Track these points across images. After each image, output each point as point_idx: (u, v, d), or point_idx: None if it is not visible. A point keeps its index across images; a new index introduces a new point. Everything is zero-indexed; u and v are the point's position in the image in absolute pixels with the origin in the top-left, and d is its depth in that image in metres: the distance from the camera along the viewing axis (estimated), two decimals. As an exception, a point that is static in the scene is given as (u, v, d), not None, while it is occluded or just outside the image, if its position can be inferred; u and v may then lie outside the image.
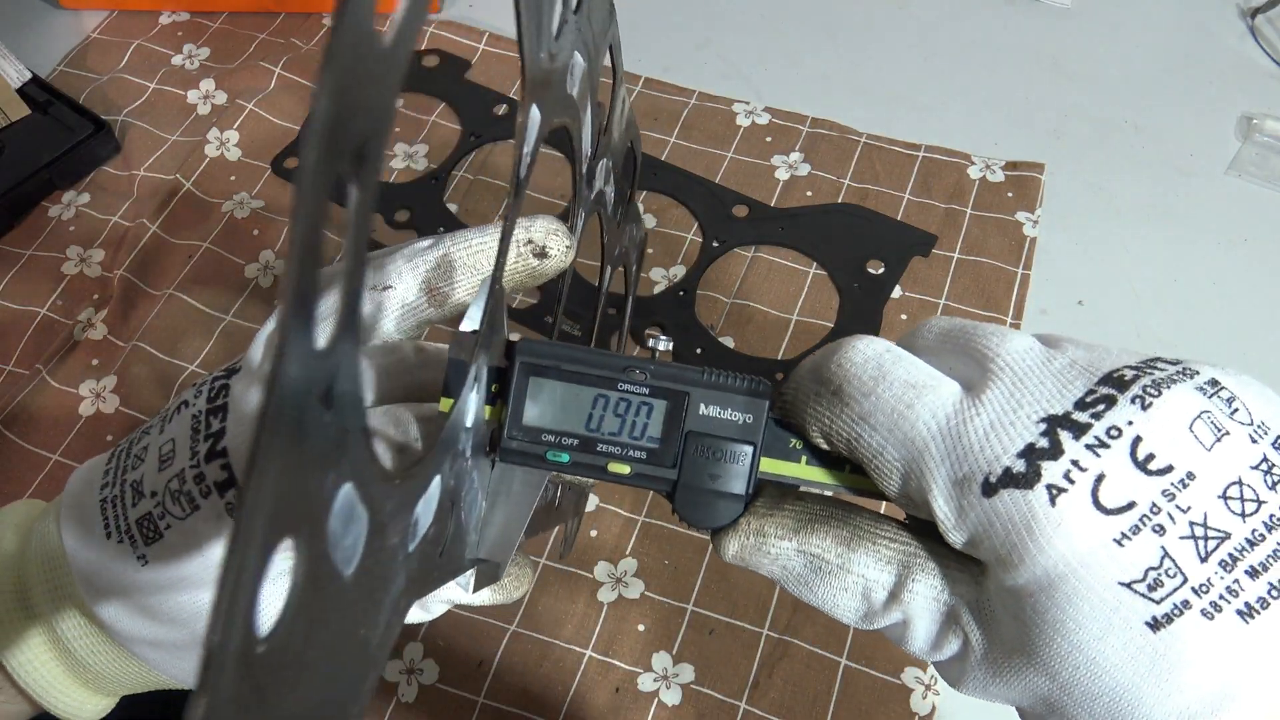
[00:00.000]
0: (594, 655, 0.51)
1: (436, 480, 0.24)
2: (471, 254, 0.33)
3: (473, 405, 0.27)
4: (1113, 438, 0.23)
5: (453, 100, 0.75)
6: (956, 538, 0.24)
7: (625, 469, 0.28)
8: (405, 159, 0.71)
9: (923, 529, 0.27)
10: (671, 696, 0.50)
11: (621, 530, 0.55)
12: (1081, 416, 0.23)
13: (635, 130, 0.46)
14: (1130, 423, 0.23)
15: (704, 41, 0.79)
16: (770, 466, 0.28)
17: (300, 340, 0.14)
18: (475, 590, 0.30)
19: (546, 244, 0.34)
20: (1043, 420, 0.24)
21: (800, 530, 0.27)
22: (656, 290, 0.65)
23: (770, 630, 0.52)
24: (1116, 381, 0.24)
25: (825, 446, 0.27)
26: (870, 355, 0.26)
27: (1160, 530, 0.22)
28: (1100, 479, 0.23)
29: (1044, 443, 0.23)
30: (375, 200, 0.15)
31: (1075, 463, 0.23)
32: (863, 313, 0.62)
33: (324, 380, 0.15)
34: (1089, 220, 0.68)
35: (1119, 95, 0.74)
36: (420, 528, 0.23)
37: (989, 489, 0.23)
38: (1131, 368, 0.24)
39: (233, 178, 0.71)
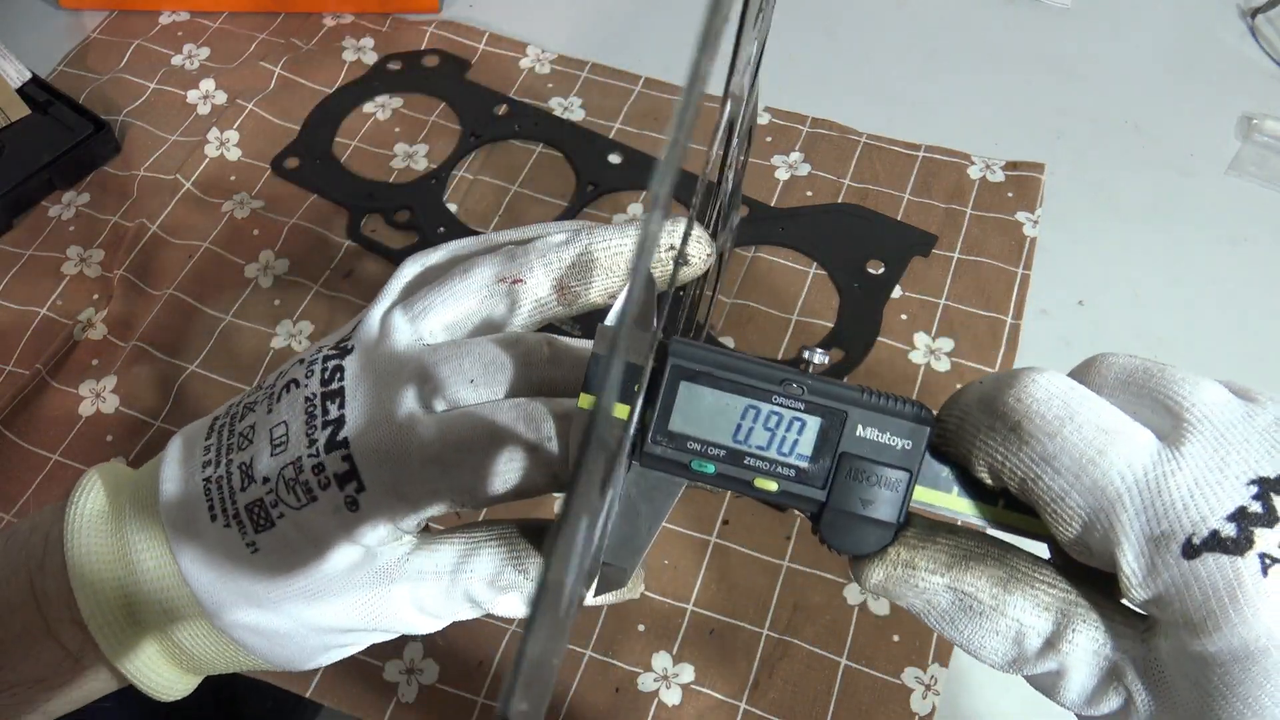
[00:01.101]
0: (594, 655, 0.51)
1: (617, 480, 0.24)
2: (610, 255, 0.32)
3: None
4: None
5: (453, 100, 0.75)
6: (1139, 595, 0.23)
7: (773, 486, 0.27)
8: (405, 159, 0.71)
9: (1084, 576, 0.26)
10: (671, 696, 0.50)
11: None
12: None
13: (746, 159, 0.44)
14: None
15: (704, 41, 0.79)
16: (922, 495, 0.27)
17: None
18: (598, 594, 0.30)
19: (690, 250, 0.33)
20: (1254, 483, 0.22)
21: (953, 566, 0.26)
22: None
23: (770, 630, 0.52)
24: None
25: (988, 481, 0.26)
26: (1055, 392, 0.24)
27: None
28: None
29: (1257, 507, 0.22)
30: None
31: None
32: (863, 313, 0.62)
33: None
34: (1089, 220, 0.68)
35: (1119, 95, 0.74)
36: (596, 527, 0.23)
37: (1191, 551, 0.22)
38: None
39: (233, 178, 0.71)
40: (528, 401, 0.30)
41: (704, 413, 0.27)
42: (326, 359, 0.32)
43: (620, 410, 0.26)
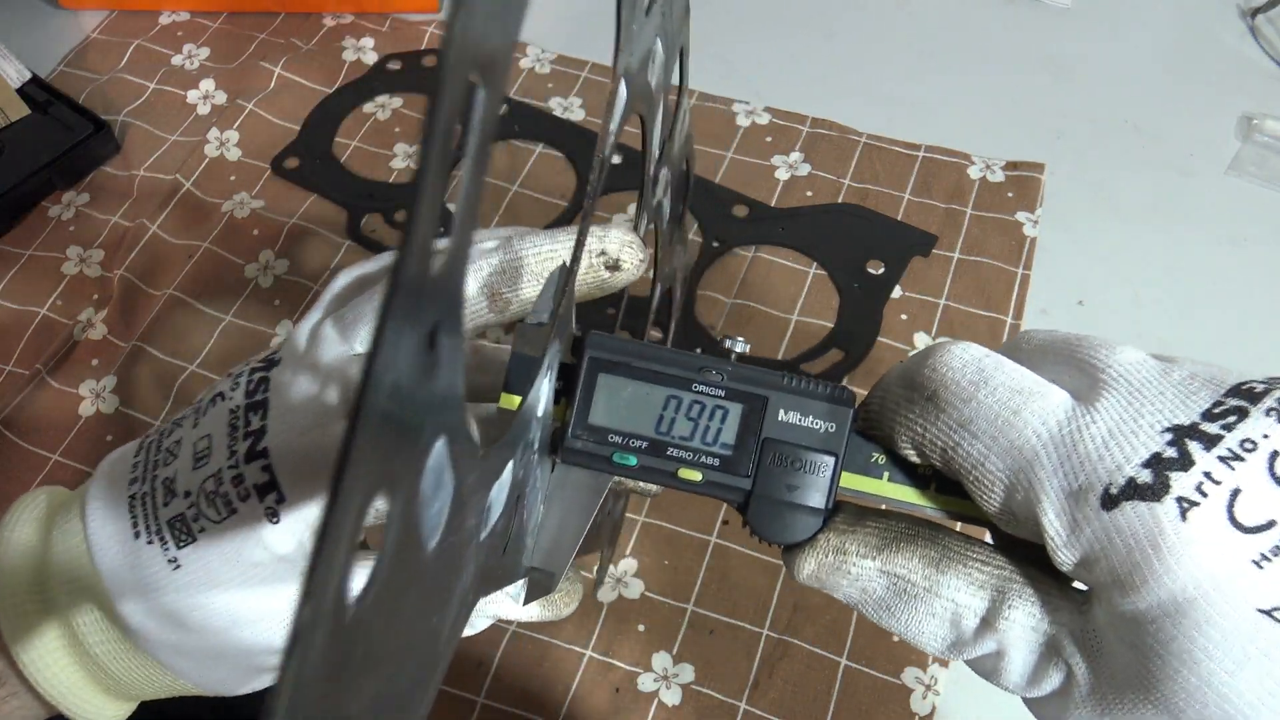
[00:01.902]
0: (594, 655, 0.51)
1: (510, 467, 0.23)
2: (540, 261, 0.32)
3: (544, 396, 0.26)
4: (1248, 450, 0.21)
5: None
6: (1067, 557, 0.23)
7: (697, 476, 0.26)
8: (405, 159, 0.71)
9: (1018, 552, 0.25)
10: (671, 696, 0.50)
11: (621, 530, 0.55)
12: (1211, 428, 0.21)
13: (691, 146, 0.44)
14: (1267, 435, 0.21)
15: (704, 41, 0.79)
16: (850, 482, 0.26)
17: (413, 261, 0.13)
18: (526, 603, 0.29)
19: (620, 256, 0.32)
20: (1168, 430, 0.22)
21: (884, 549, 0.25)
22: (657, 290, 0.65)
23: (770, 630, 0.52)
24: (1246, 394, 0.22)
25: (914, 458, 0.25)
26: (969, 360, 0.24)
27: None
28: (1236, 493, 0.21)
29: (1171, 452, 0.21)
30: (496, 123, 0.15)
31: (1208, 475, 0.21)
32: (863, 313, 0.62)
33: (431, 317, 0.14)
34: (1089, 220, 0.68)
35: (1119, 95, 0.74)
36: (492, 516, 0.22)
37: (1109, 501, 0.21)
38: (1260, 381, 0.22)
39: (233, 178, 0.71)
40: None
41: (624, 404, 0.26)
42: (253, 371, 0.32)
43: (509, 400, 0.25)
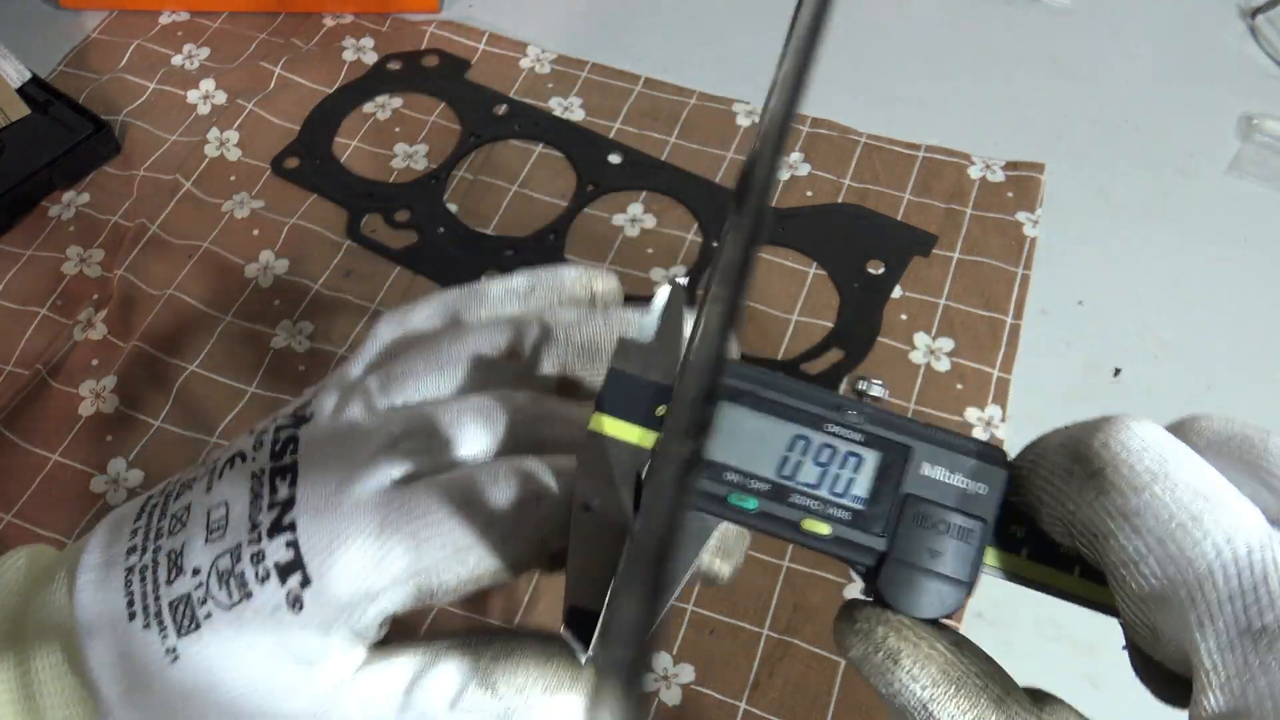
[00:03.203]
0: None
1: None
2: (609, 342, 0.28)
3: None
4: None
5: (453, 100, 0.75)
6: (1217, 700, 0.19)
7: (825, 529, 0.23)
8: (405, 159, 0.71)
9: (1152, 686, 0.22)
10: (671, 696, 0.50)
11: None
12: None
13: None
14: None
15: (704, 41, 0.79)
16: (987, 556, 0.23)
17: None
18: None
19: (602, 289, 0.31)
20: None
21: (940, 684, 0.22)
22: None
23: (770, 630, 0.52)
24: None
25: (1056, 538, 0.22)
26: (1150, 444, 0.21)
27: None
28: None
29: None
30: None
31: None
32: (863, 313, 0.62)
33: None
34: (1089, 220, 0.68)
35: (1119, 95, 0.74)
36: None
37: None
38: None
39: (233, 178, 0.71)
40: (520, 458, 0.26)
41: (746, 439, 0.23)
42: (279, 429, 0.28)
43: (628, 432, 0.23)
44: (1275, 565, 0.19)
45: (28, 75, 0.73)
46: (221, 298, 0.65)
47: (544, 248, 0.66)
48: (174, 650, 0.26)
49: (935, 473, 0.23)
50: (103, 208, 0.69)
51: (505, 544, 0.25)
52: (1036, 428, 0.23)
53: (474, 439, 0.27)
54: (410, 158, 0.72)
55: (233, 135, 0.72)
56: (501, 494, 0.25)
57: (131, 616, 0.26)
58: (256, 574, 0.25)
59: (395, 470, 0.26)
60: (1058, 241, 0.66)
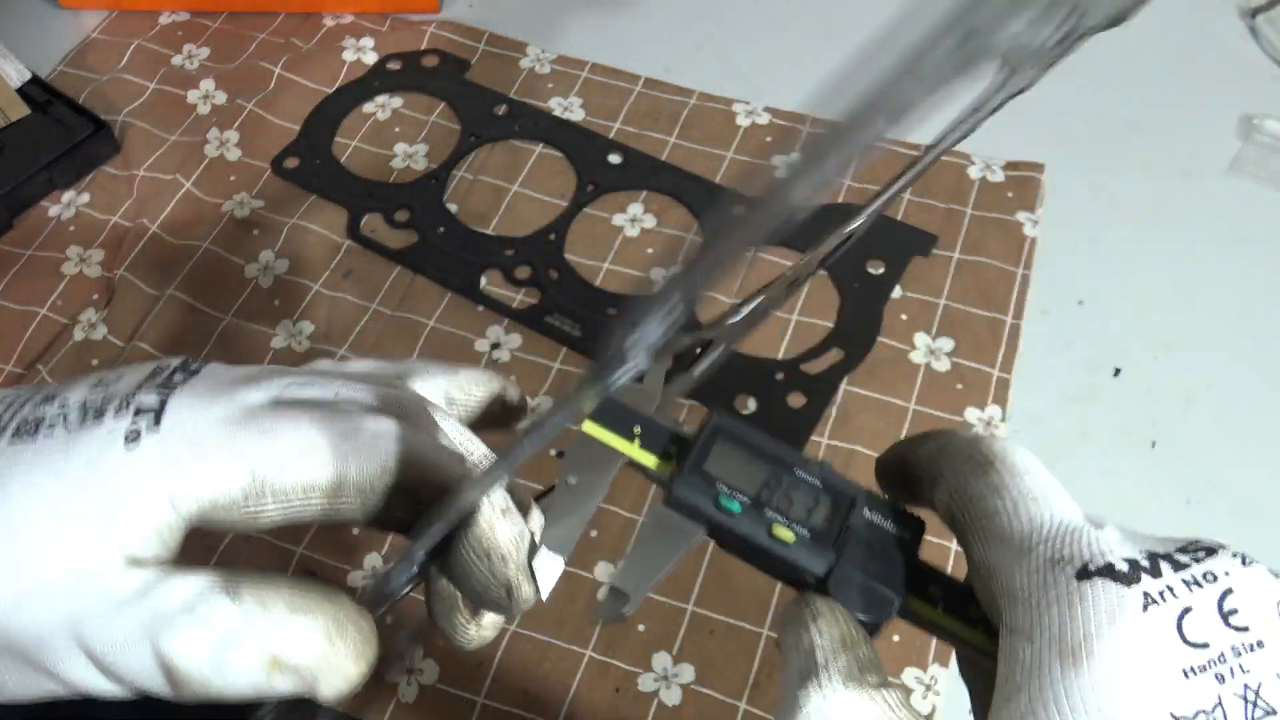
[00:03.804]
0: (594, 655, 0.51)
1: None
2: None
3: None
4: (1208, 581, 0.25)
5: (453, 100, 0.75)
6: (1020, 613, 0.25)
7: (790, 536, 0.30)
8: (405, 159, 0.71)
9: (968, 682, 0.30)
10: (671, 696, 0.50)
11: (621, 530, 0.55)
12: (1183, 557, 0.25)
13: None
14: (1227, 573, 0.25)
15: (704, 41, 0.79)
16: (911, 604, 0.30)
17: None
18: (598, 618, 0.32)
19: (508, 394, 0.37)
20: (1149, 554, 0.25)
21: (836, 649, 0.28)
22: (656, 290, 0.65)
23: (771, 630, 0.52)
24: (1219, 546, 0.26)
25: (938, 508, 0.29)
26: (1026, 456, 0.28)
27: (1221, 679, 0.23)
28: (1187, 610, 0.24)
29: (1146, 563, 0.25)
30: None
31: (1170, 588, 0.24)
32: (863, 313, 0.62)
33: None
34: (1089, 220, 0.68)
35: (1119, 95, 0.74)
36: None
37: (1084, 574, 0.25)
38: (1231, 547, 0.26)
39: (233, 178, 0.71)
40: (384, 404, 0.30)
41: (735, 465, 0.31)
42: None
43: (608, 438, 0.31)
44: (1082, 530, 0.26)
45: (28, 75, 0.73)
46: (221, 298, 0.65)
47: (544, 248, 0.66)
48: None
49: (874, 517, 0.30)
50: (103, 208, 0.69)
51: (352, 459, 0.28)
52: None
53: (353, 390, 0.30)
54: (410, 158, 0.72)
55: (233, 135, 0.72)
56: (363, 418, 0.28)
57: None
58: (116, 406, 0.26)
59: (276, 391, 0.29)
60: (1058, 241, 0.66)
